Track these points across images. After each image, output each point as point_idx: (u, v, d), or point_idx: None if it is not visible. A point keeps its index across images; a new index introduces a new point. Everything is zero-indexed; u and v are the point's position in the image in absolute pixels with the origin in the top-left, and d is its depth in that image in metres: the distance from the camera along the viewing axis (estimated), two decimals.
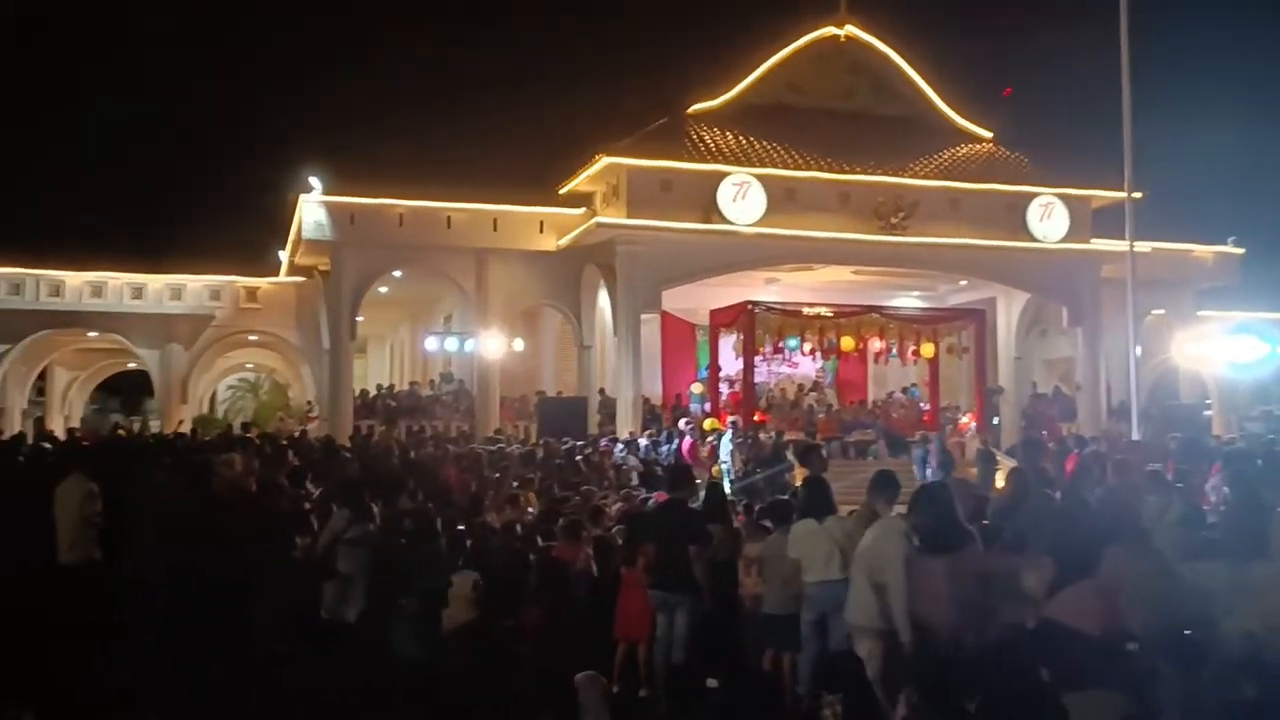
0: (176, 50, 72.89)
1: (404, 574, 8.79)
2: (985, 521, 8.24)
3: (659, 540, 8.66)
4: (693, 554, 8.34)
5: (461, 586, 8.41)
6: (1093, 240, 28.11)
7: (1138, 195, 20.60)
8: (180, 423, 27.01)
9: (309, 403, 31.06)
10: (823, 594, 7.99)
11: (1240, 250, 32.26)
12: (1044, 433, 25.43)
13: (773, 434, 22.49)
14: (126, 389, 46.10)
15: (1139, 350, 20.21)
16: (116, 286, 29.40)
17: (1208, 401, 32.24)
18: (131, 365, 35.53)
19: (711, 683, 8.77)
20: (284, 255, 32.38)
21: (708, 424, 23.58)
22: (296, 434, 23.04)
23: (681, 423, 23.60)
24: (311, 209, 26.26)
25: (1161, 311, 30.84)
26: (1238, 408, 31.90)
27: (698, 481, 9.96)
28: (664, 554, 8.53)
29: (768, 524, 9.13)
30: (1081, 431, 26.80)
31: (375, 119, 68.15)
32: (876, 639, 6.58)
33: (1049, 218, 27.81)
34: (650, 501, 11.51)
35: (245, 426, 22.44)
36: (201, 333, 29.79)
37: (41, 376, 34.89)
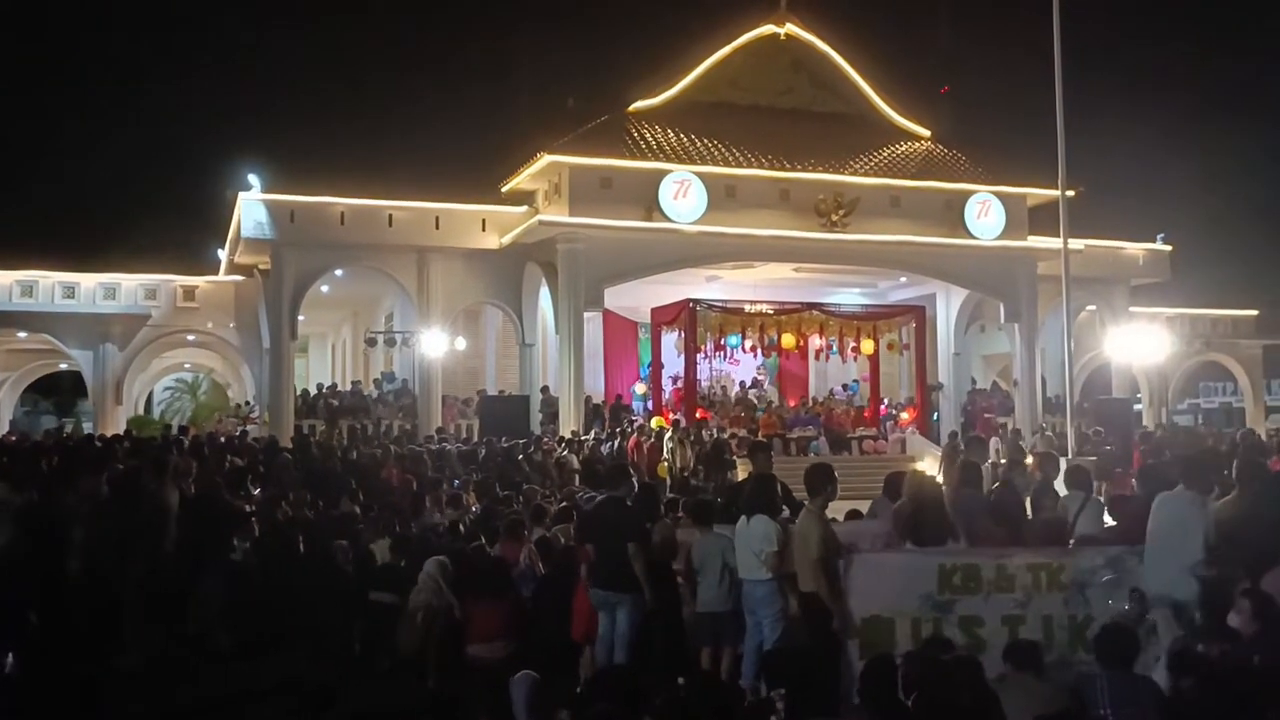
0: (113, 45, 71.52)
1: None
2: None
3: (597, 540, 8.69)
4: (631, 552, 8.35)
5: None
6: (1029, 237, 28.58)
7: (1071, 193, 20.94)
8: (123, 433, 26.51)
9: (248, 402, 30.63)
10: (748, 591, 8.19)
11: (1168, 248, 32.96)
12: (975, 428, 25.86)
13: (713, 431, 22.62)
14: (59, 390, 45.12)
15: (1073, 345, 20.56)
16: (47, 286, 28.82)
17: (1139, 396, 32.98)
18: (64, 366, 34.83)
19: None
20: (223, 254, 31.91)
21: (654, 422, 23.67)
22: (236, 434, 22.75)
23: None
24: (251, 207, 25.92)
25: (1094, 308, 31.44)
26: (1167, 401, 32.69)
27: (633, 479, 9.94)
28: (602, 553, 8.55)
29: (690, 523, 9.14)
30: (1018, 426, 27.30)
31: (316, 117, 67.52)
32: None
33: (986, 215, 28.16)
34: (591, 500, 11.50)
35: (183, 429, 22.05)
36: (137, 332, 29.26)
37: None
